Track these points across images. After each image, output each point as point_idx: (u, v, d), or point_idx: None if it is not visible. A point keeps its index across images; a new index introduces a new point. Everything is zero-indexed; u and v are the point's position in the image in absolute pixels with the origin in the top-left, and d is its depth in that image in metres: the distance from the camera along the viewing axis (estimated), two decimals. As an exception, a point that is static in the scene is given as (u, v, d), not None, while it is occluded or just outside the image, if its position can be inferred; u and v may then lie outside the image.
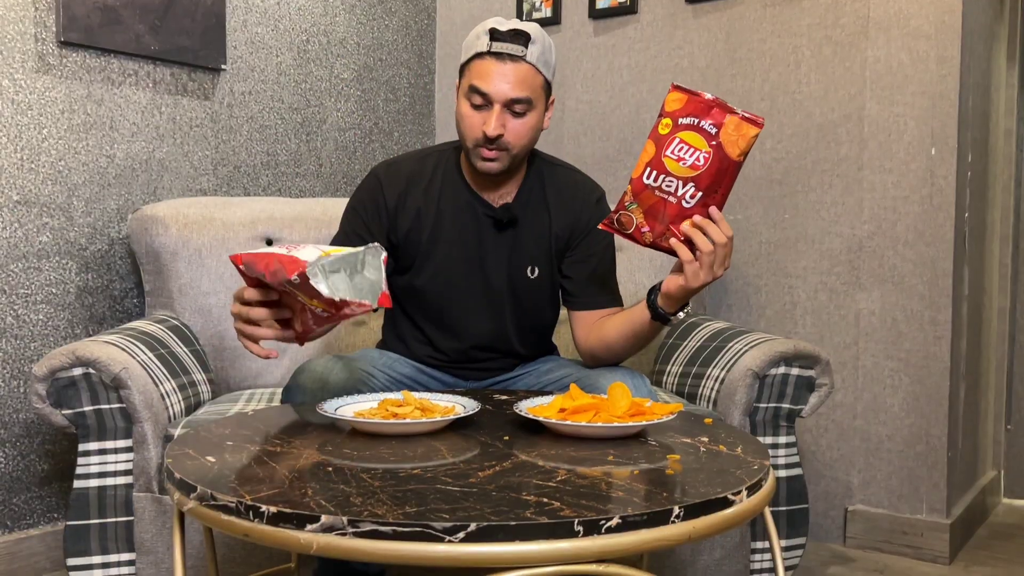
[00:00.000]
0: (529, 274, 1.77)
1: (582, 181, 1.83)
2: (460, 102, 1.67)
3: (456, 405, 1.44)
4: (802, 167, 2.52)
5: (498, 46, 1.61)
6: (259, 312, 1.36)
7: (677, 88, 1.47)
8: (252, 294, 1.35)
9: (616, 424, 1.30)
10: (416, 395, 1.47)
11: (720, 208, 1.47)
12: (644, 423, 1.32)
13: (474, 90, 1.62)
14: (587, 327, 1.75)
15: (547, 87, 1.68)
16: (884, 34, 2.39)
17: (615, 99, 2.83)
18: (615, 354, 1.70)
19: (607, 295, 1.78)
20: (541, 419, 1.33)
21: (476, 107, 1.64)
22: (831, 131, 2.47)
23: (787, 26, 2.53)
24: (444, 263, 1.75)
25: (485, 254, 1.76)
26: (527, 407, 1.39)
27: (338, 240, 1.76)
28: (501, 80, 1.61)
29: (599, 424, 1.30)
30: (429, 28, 3.14)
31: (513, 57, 1.61)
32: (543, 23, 2.93)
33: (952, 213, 2.32)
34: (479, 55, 1.63)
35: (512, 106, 1.62)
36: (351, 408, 1.42)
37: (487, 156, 1.65)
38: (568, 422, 1.31)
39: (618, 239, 1.69)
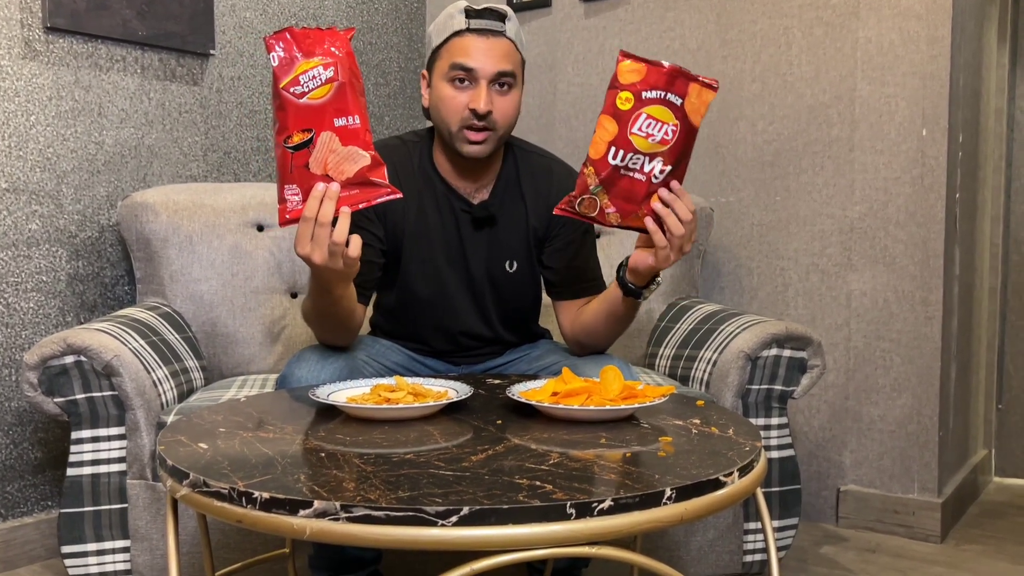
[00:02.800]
0: (508, 268, 1.76)
1: (558, 169, 1.79)
2: (439, 86, 1.63)
3: (449, 390, 1.44)
4: (793, 149, 2.52)
5: (477, 22, 1.60)
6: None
7: (628, 56, 1.41)
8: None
9: (608, 407, 1.30)
10: (408, 380, 1.47)
11: (681, 181, 1.46)
12: (636, 406, 1.32)
13: (457, 67, 1.59)
14: (571, 316, 1.76)
15: (523, 65, 1.68)
16: (875, 14, 2.38)
17: (606, 81, 2.81)
18: (598, 338, 1.71)
19: (588, 282, 1.77)
20: (534, 403, 1.33)
21: (459, 88, 1.61)
22: (822, 112, 2.47)
23: (778, 7, 2.52)
24: (427, 259, 1.73)
25: (465, 250, 1.74)
26: (519, 391, 1.39)
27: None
28: (485, 54, 1.59)
29: (592, 407, 1.30)
30: (419, 11, 3.12)
31: (494, 32, 1.60)
32: (534, 6, 2.92)
33: (943, 193, 2.32)
34: (457, 33, 1.60)
35: (498, 80, 1.60)
36: (344, 394, 1.42)
37: (474, 139, 1.62)
38: (561, 406, 1.31)
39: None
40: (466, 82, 1.61)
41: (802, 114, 2.50)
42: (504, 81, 1.61)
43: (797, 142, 2.51)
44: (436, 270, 1.74)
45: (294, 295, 2.30)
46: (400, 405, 1.32)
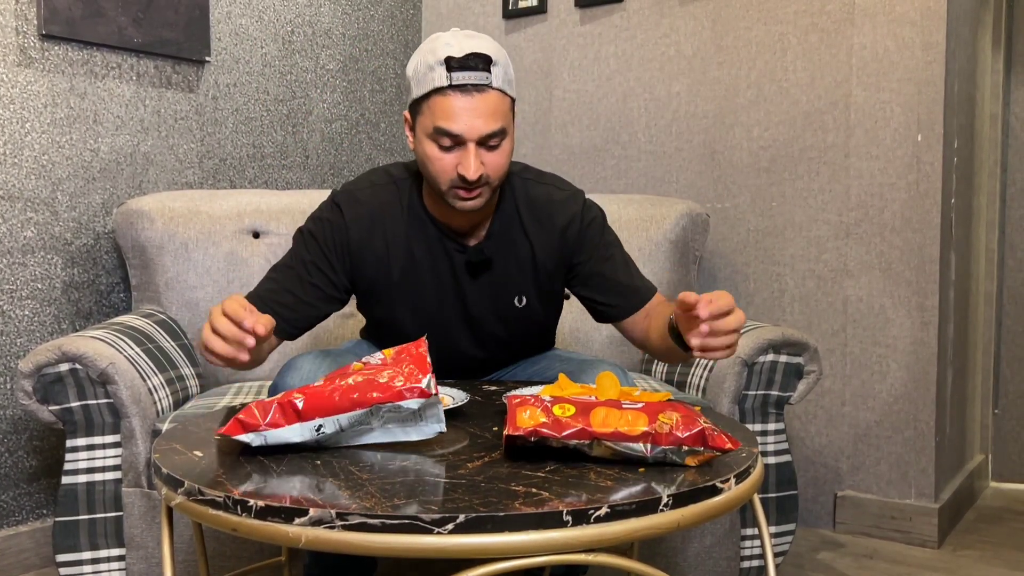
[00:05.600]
0: (517, 303, 1.67)
1: (558, 196, 1.66)
2: (424, 143, 1.50)
3: (445, 396, 1.44)
4: (789, 154, 2.52)
5: (460, 77, 1.44)
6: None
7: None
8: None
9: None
10: None
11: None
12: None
13: (441, 132, 1.46)
14: (641, 329, 1.63)
15: (513, 106, 1.54)
16: (870, 20, 2.39)
17: (602, 88, 2.82)
18: (676, 360, 1.59)
19: (640, 293, 1.64)
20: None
21: (445, 148, 1.48)
22: (818, 118, 2.47)
23: (773, 13, 2.53)
24: (422, 305, 1.66)
25: (465, 295, 1.65)
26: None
27: (292, 264, 1.61)
28: (471, 117, 1.45)
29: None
30: (415, 18, 3.13)
31: (479, 87, 1.44)
32: (529, 12, 2.92)
33: (938, 199, 2.33)
34: (439, 90, 1.45)
35: (487, 141, 1.48)
36: None
37: (466, 196, 1.50)
38: None
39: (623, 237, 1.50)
40: (452, 145, 1.48)
41: (797, 120, 2.51)
42: (494, 141, 1.49)
43: (793, 148, 2.52)
44: (430, 316, 1.66)
45: (290, 302, 2.29)
46: None
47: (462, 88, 1.44)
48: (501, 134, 1.49)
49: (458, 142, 1.47)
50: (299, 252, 1.62)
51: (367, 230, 1.61)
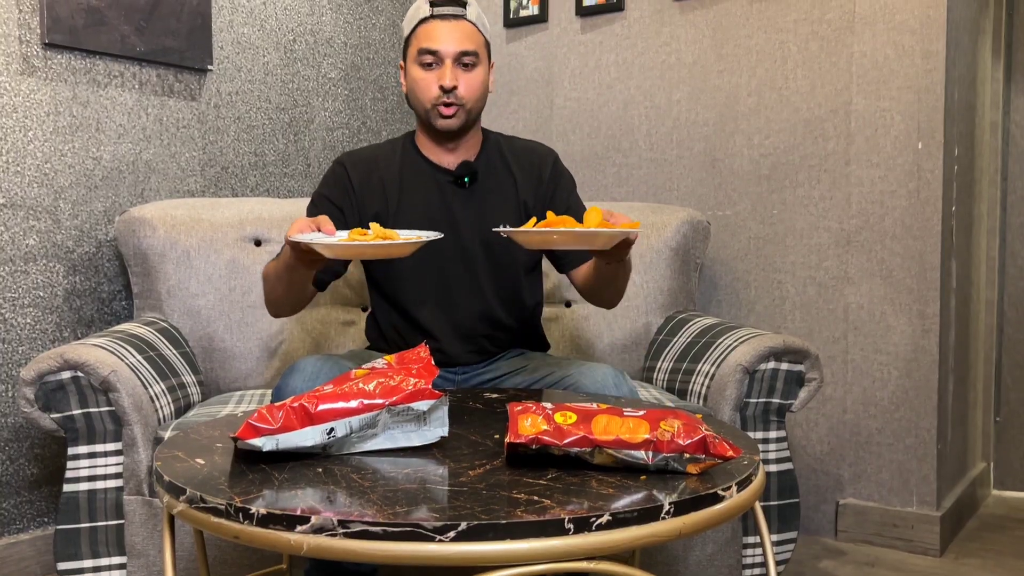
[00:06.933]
0: (501, 233, 1.80)
1: (538, 147, 1.93)
2: (411, 70, 1.79)
3: (421, 234, 1.50)
4: (790, 162, 2.52)
5: (440, 9, 1.77)
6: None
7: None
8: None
9: (579, 229, 1.37)
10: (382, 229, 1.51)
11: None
12: (608, 231, 1.37)
13: (424, 51, 1.75)
14: (581, 277, 1.84)
15: (488, 47, 1.82)
16: (870, 28, 2.40)
17: (603, 96, 2.83)
18: (612, 294, 1.80)
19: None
20: (509, 230, 1.43)
21: (427, 68, 1.76)
22: (818, 126, 2.48)
23: (773, 21, 2.54)
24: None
25: (454, 218, 1.81)
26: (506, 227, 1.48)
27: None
28: (448, 37, 1.74)
29: (564, 229, 1.38)
30: (416, 26, 3.13)
31: (455, 16, 1.76)
32: (530, 21, 2.93)
33: (939, 207, 2.33)
34: (423, 20, 1.77)
35: (462, 59, 1.75)
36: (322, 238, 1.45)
37: (445, 113, 1.76)
38: (537, 228, 1.39)
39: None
40: (433, 64, 1.76)
41: (798, 128, 2.51)
42: (468, 59, 1.76)
43: (793, 155, 2.52)
44: (427, 244, 1.77)
45: (291, 310, 2.30)
46: (375, 242, 1.39)
47: (441, 17, 1.77)
48: (475, 56, 1.77)
49: (438, 59, 1.75)
50: (313, 213, 1.81)
51: (366, 173, 1.84)
